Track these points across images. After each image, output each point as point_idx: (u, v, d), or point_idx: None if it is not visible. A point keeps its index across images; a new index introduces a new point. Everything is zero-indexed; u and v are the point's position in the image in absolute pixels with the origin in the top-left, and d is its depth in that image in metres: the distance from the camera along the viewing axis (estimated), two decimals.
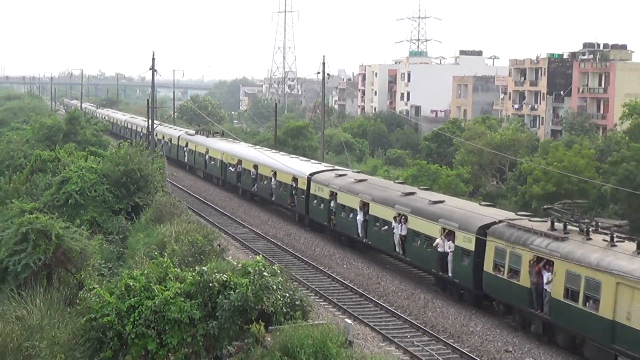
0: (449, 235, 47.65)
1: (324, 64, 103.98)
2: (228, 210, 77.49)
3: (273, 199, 76.32)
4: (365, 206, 57.92)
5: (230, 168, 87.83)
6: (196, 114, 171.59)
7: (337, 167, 74.52)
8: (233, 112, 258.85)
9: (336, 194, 62.22)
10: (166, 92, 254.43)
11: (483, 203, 56.13)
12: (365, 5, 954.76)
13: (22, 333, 40.82)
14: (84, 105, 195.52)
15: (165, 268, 38.74)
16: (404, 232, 52.74)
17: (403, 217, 52.88)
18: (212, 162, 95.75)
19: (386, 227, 54.94)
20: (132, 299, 35.92)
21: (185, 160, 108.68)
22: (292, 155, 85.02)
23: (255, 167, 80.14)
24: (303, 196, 68.31)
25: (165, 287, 36.61)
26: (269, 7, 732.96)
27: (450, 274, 47.74)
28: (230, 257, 48.71)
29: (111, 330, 35.53)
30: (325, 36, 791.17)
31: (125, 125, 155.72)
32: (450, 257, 47.39)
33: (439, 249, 48.24)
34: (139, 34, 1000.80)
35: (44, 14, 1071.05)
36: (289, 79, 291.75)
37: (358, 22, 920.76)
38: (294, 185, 70.31)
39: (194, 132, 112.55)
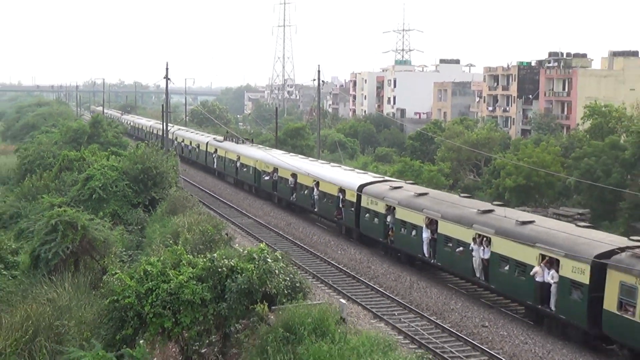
0: (550, 262, 38.57)
1: (319, 72, 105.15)
2: (234, 202, 77.28)
3: (315, 210, 66.54)
4: (432, 223, 47.96)
5: (265, 176, 77.60)
6: (206, 118, 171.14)
7: (387, 178, 63.98)
8: (238, 116, 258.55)
9: (394, 208, 52.30)
10: (178, 98, 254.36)
11: (581, 224, 43.22)
12: (355, 20, 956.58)
13: (53, 313, 40.65)
14: (109, 112, 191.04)
15: (179, 255, 38.66)
16: (486, 256, 42.70)
17: (485, 238, 42.86)
18: (245, 169, 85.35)
19: (461, 248, 44.79)
20: (150, 283, 35.88)
21: (215, 167, 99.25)
22: (333, 164, 74.40)
23: (294, 175, 69.92)
24: (352, 209, 58.52)
25: (179, 272, 36.51)
26: (269, 22, 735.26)
27: (553, 308, 38.62)
28: (237, 245, 48.75)
29: (131, 310, 35.52)
30: (320, 47, 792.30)
31: (151, 130, 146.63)
32: (553, 289, 38.46)
33: (537, 279, 38.95)
34: (155, 46, 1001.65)
35: (71, 28, 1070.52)
36: (288, 85, 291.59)
37: (349, 35, 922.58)
38: (342, 197, 60.30)
39: (222, 138, 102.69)
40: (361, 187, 57.78)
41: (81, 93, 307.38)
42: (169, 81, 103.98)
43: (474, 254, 43.31)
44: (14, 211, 78.21)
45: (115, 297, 36.12)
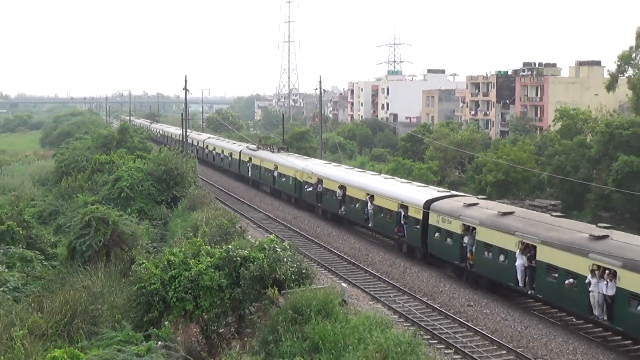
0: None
1: (320, 82, 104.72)
2: (247, 199, 77.03)
3: (370, 225, 55.89)
4: (528, 249, 38.11)
5: (307, 187, 67.03)
6: (220, 124, 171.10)
7: (453, 193, 53.32)
8: (249, 122, 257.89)
9: (474, 228, 42.35)
10: (196, 106, 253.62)
11: None
12: (352, 35, 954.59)
13: (88, 299, 40.77)
14: (139, 121, 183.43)
15: (198, 246, 38.79)
16: (610, 292, 32.61)
17: (608, 271, 32.87)
18: (283, 179, 74.77)
19: (572, 280, 34.70)
20: (173, 271, 36.04)
21: (249, 175, 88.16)
22: (385, 176, 64.34)
23: (342, 188, 59.72)
24: (417, 227, 48.40)
25: (199, 261, 36.59)
26: (276, 38, 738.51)
27: None
28: (249, 237, 48.70)
29: (157, 295, 35.68)
30: (321, 60, 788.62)
31: (179, 138, 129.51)
32: None
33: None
34: (175, 60, 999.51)
35: (101, 45, 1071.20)
36: (293, 94, 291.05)
37: (347, 48, 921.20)
38: (404, 213, 50.48)
39: (255, 147, 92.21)
40: (428, 204, 47.73)
41: (110, 104, 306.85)
42: (187, 92, 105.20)
43: (592, 289, 33.36)
44: (52, 209, 78.35)
45: (143, 284, 36.31)
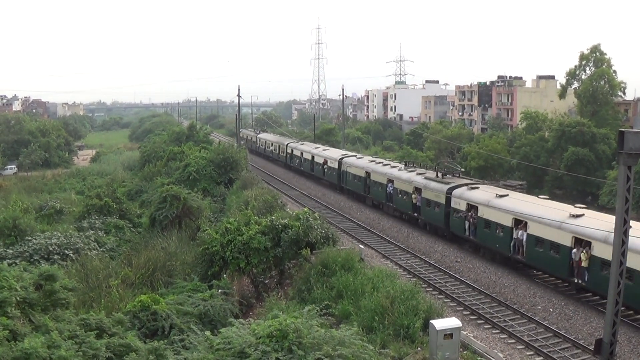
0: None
1: (343, 90, 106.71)
2: (286, 180, 76.78)
3: (585, 284, 31.42)
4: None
5: (457, 215, 41.77)
6: (266, 122, 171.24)
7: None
8: (288, 121, 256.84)
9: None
10: (246, 109, 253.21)
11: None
12: (368, 53, 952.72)
13: (165, 257, 40.94)
14: (245, 131, 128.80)
15: (249, 217, 38.67)
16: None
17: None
18: (404, 197, 49.76)
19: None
20: (229, 236, 35.98)
21: (345, 185, 63.58)
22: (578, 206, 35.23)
23: (520, 223, 35.49)
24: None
25: (249, 228, 36.48)
26: (308, 56, 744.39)
27: None
28: (288, 209, 48.56)
29: (217, 255, 35.69)
30: (344, 72, 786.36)
31: (287, 149, 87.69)
32: None
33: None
34: (231, 71, 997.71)
35: (175, 60, 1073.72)
36: (322, 99, 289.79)
37: (364, 64, 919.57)
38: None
39: (354, 155, 67.61)
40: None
41: (181, 107, 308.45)
42: (240, 98, 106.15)
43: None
44: (138, 188, 78.89)
45: (206, 246, 36.33)
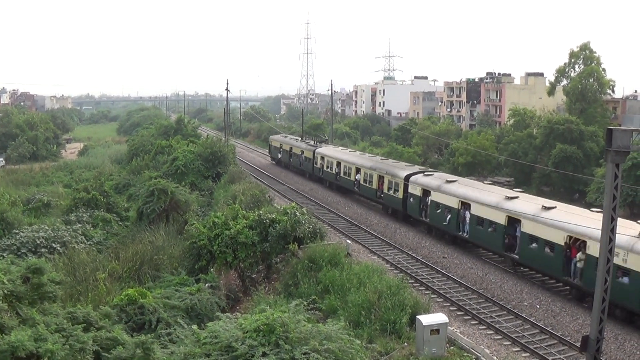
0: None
1: (332, 85, 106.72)
2: (274, 175, 76.64)
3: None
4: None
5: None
6: (254, 116, 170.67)
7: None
8: (276, 115, 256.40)
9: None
10: (235, 103, 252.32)
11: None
12: (356, 48, 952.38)
13: (152, 250, 40.93)
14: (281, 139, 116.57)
15: (236, 211, 38.69)
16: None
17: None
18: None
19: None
20: (217, 230, 35.97)
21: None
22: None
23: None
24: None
25: (237, 222, 36.53)
26: (297, 51, 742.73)
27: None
28: (275, 204, 48.50)
29: (204, 249, 35.71)
30: (332, 67, 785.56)
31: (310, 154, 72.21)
32: None
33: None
34: (219, 65, 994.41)
35: (162, 54, 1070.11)
36: (310, 94, 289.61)
37: (352, 59, 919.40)
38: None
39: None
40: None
41: (169, 101, 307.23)
42: (228, 92, 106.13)
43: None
44: (125, 182, 78.62)
45: (194, 240, 36.32)
